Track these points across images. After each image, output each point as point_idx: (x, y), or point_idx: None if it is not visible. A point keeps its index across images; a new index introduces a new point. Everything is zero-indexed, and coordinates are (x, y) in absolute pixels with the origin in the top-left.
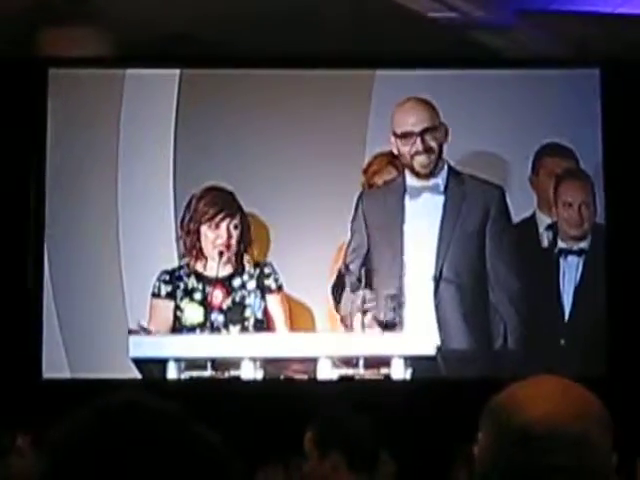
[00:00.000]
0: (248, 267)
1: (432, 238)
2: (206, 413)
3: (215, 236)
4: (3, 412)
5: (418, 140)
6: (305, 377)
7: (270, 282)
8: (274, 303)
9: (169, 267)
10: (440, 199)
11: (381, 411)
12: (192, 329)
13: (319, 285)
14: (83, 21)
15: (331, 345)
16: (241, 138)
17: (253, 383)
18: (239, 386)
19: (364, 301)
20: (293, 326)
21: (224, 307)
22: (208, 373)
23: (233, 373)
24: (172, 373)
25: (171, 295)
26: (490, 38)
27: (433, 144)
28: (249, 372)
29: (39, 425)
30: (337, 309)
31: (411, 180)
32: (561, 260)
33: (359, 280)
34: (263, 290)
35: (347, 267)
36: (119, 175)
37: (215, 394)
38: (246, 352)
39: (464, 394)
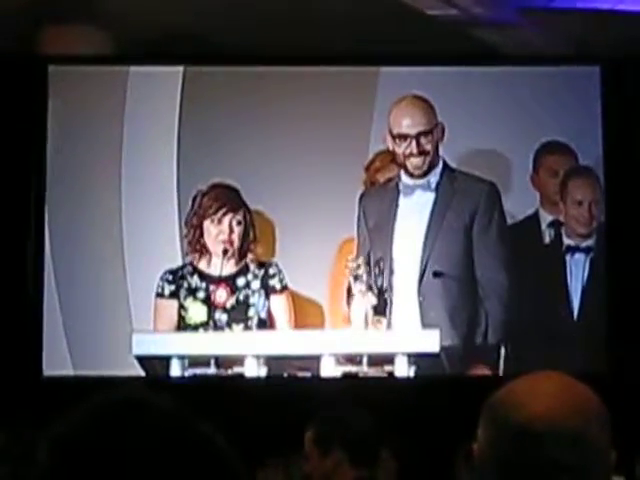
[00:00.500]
0: (253, 267)
1: (420, 235)
2: (210, 410)
3: (218, 231)
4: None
5: (413, 143)
6: (309, 374)
7: (275, 282)
8: (278, 303)
9: (172, 266)
10: (431, 196)
11: (384, 408)
12: (196, 328)
13: (323, 282)
14: (85, 19)
15: (335, 342)
16: (245, 135)
17: (257, 380)
18: (243, 383)
19: (370, 299)
20: (301, 323)
21: (228, 306)
22: (212, 370)
23: (237, 370)
24: (176, 370)
25: (175, 294)
26: (490, 35)
27: (428, 147)
28: (253, 369)
29: (39, 423)
30: (348, 307)
31: (405, 179)
32: (567, 257)
33: (366, 278)
34: (267, 290)
35: (358, 266)
36: (122, 173)
37: (219, 391)
38: (250, 349)
39: (468, 392)
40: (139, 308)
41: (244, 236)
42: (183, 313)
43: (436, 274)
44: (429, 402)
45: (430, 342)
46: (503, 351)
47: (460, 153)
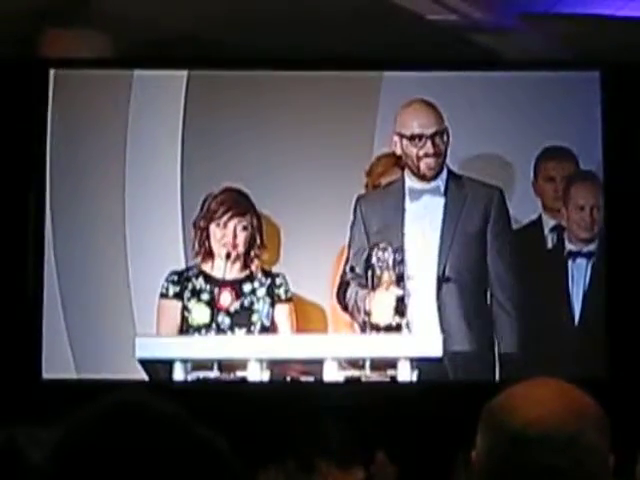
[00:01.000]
0: (260, 275)
1: (434, 240)
2: (212, 414)
3: (222, 235)
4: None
5: (429, 143)
6: (311, 379)
7: (280, 292)
8: (282, 312)
9: (178, 268)
10: (441, 201)
11: (387, 413)
12: (198, 330)
13: (326, 286)
14: (88, 22)
15: (337, 347)
16: (249, 140)
17: (259, 384)
18: (245, 387)
19: (369, 303)
20: (304, 327)
21: (231, 310)
22: (214, 374)
23: (239, 374)
24: (179, 374)
25: (179, 295)
26: (490, 40)
27: (442, 147)
28: (255, 373)
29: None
30: (344, 311)
31: (411, 182)
32: (569, 262)
33: (364, 282)
34: (273, 299)
35: (352, 269)
36: (126, 176)
37: (221, 395)
38: (252, 353)
39: (470, 397)
40: (142, 311)
41: (250, 241)
42: (186, 314)
43: (454, 279)
44: (431, 407)
45: (433, 347)
46: (505, 356)
47: (461, 158)
